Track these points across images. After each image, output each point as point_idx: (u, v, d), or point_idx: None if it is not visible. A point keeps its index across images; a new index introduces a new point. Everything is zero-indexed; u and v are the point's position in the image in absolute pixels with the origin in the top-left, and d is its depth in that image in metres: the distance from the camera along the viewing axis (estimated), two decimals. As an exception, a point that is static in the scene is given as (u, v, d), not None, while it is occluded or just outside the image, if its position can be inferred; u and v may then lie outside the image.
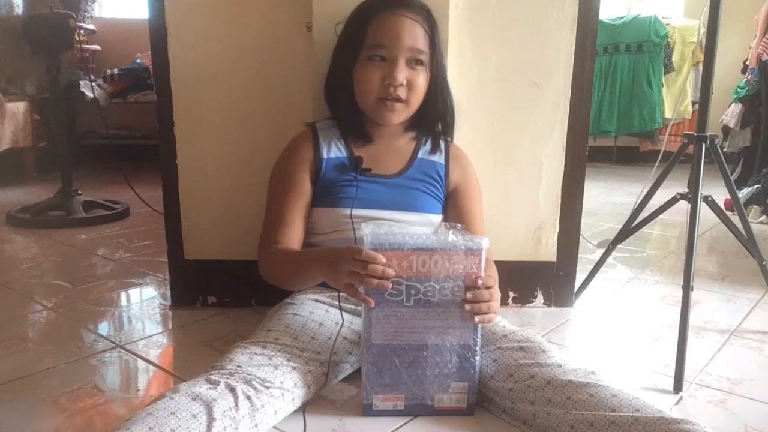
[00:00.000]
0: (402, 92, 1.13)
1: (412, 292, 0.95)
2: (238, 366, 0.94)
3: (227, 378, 0.90)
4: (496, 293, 0.99)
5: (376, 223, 0.96)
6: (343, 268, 0.94)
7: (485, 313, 0.97)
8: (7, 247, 2.17)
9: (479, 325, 0.98)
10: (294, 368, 0.99)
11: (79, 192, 2.59)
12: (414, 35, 1.11)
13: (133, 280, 1.75)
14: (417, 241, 0.93)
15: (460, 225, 0.98)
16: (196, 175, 1.47)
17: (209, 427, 0.82)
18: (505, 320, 1.13)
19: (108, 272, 1.83)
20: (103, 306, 1.55)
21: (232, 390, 0.88)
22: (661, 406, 0.88)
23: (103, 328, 1.42)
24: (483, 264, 0.95)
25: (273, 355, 0.98)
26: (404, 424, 1.01)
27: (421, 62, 1.14)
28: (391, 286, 0.93)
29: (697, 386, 1.16)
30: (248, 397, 0.89)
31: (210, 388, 0.87)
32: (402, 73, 1.11)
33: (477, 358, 0.99)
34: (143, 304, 1.59)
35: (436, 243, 0.93)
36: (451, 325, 0.97)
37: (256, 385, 0.92)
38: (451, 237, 0.93)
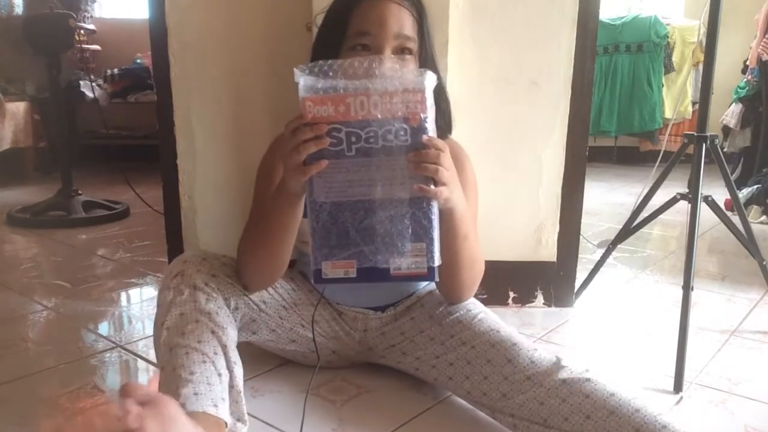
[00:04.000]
0: None
1: (353, 139, 0.85)
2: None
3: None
4: (447, 161, 0.86)
5: (311, 68, 0.85)
6: (286, 159, 0.86)
7: (431, 177, 0.85)
8: (7, 247, 2.17)
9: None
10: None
11: (79, 192, 2.59)
12: (401, 21, 1.02)
13: (133, 280, 1.75)
14: (354, 82, 0.84)
15: (400, 57, 0.93)
16: (196, 175, 1.47)
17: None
18: (484, 314, 1.06)
19: (108, 272, 1.83)
20: (103, 306, 1.55)
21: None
22: (637, 408, 0.83)
23: (103, 328, 1.42)
24: (428, 102, 0.85)
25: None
26: (404, 424, 1.01)
27: (409, 50, 1.04)
28: (328, 141, 0.84)
29: (697, 386, 1.16)
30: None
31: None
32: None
33: (433, 214, 0.87)
34: (143, 304, 1.59)
35: (374, 82, 0.84)
36: (398, 175, 0.86)
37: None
38: (389, 74, 0.84)
